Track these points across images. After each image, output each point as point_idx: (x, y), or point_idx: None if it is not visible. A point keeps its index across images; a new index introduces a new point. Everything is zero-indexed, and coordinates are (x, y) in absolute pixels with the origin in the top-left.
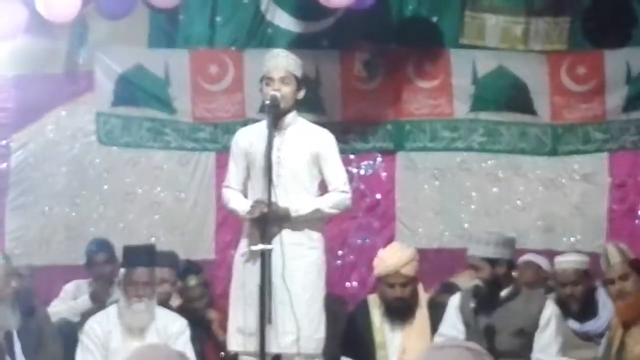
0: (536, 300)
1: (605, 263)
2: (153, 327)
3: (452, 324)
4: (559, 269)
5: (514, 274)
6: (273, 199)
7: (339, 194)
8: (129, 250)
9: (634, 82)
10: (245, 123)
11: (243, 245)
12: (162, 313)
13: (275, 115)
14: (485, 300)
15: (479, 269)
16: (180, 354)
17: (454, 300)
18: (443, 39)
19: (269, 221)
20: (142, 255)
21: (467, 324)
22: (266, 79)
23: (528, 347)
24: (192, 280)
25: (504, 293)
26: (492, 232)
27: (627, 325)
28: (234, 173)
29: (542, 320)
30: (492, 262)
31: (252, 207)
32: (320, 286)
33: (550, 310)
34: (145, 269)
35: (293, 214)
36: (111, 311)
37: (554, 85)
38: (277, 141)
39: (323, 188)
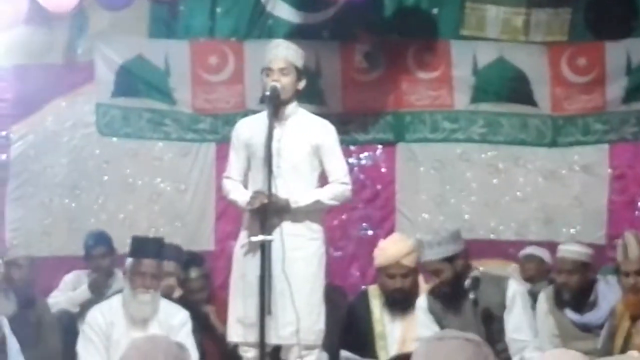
0: (498, 282)
1: (622, 254)
2: (155, 319)
3: (425, 325)
4: (559, 257)
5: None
6: (273, 190)
7: (340, 185)
8: (137, 241)
9: (635, 73)
10: (245, 114)
11: (243, 237)
12: (164, 305)
13: (275, 106)
14: (451, 296)
15: (441, 271)
16: (179, 345)
17: (421, 303)
18: (443, 30)
19: (269, 212)
20: (151, 247)
21: (439, 323)
22: (266, 70)
23: (500, 331)
24: (194, 272)
25: (466, 284)
26: (437, 231)
27: (635, 318)
28: (235, 164)
29: (508, 301)
30: (450, 259)
31: (252, 198)
32: (320, 277)
33: (512, 289)
34: (153, 260)
35: (293, 205)
36: (114, 302)
37: (555, 77)
38: (277, 132)
39: (323, 179)
